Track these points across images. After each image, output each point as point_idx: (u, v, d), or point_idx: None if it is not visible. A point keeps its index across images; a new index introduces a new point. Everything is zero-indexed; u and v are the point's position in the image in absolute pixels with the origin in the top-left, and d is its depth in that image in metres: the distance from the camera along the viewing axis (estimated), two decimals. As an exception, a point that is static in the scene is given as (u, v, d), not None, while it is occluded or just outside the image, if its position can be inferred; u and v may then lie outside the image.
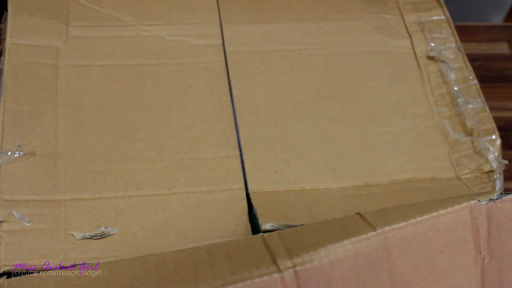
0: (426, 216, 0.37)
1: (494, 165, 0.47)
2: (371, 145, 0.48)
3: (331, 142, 0.48)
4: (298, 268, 0.34)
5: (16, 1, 0.51)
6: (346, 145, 0.48)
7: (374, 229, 0.36)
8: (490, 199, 0.38)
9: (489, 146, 0.48)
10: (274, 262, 0.35)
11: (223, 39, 0.53)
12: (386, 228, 0.36)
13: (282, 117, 0.49)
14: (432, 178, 0.47)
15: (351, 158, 0.47)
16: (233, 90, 0.50)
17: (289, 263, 0.34)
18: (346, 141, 0.48)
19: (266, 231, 0.40)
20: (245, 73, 0.51)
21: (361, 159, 0.47)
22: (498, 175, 0.47)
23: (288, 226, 0.40)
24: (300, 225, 0.40)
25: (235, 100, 0.49)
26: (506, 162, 0.48)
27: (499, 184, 0.47)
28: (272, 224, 0.41)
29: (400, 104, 0.51)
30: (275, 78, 0.51)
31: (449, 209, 0.37)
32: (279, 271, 0.34)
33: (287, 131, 0.48)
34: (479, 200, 0.38)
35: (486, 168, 0.48)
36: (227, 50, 0.52)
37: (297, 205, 0.44)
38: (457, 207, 0.37)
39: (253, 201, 0.43)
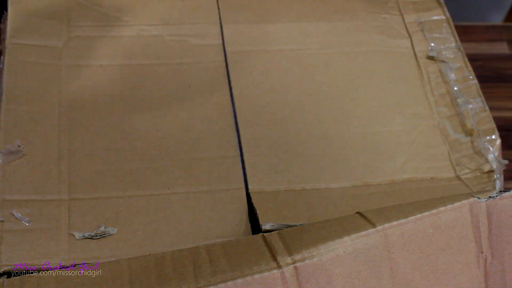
0: (426, 213, 0.37)
1: (494, 165, 0.47)
2: (371, 145, 0.48)
3: (331, 142, 0.48)
4: (298, 264, 0.34)
5: (16, 1, 0.51)
6: (346, 145, 0.48)
7: (374, 226, 0.36)
8: (490, 197, 0.38)
9: (489, 146, 0.48)
10: (274, 258, 0.35)
11: (223, 39, 0.53)
12: (386, 225, 0.36)
13: (282, 117, 0.49)
14: (432, 178, 0.47)
15: (351, 158, 0.47)
16: (233, 90, 0.50)
17: (289, 259, 0.34)
18: (346, 141, 0.48)
19: (266, 231, 0.40)
20: (245, 73, 0.51)
21: (361, 159, 0.47)
22: (498, 175, 0.47)
23: (288, 226, 0.40)
24: (300, 225, 0.40)
25: (235, 100, 0.49)
26: (506, 162, 0.48)
27: (499, 184, 0.47)
28: (272, 224, 0.41)
29: (400, 104, 0.51)
30: (275, 78, 0.51)
31: (449, 207, 0.37)
32: (279, 267, 0.34)
33: (287, 131, 0.48)
34: (478, 198, 0.38)
35: (486, 168, 0.48)
36: (227, 50, 0.52)
37: (297, 205, 0.44)
38: (457, 204, 0.37)
39: (253, 201, 0.43)
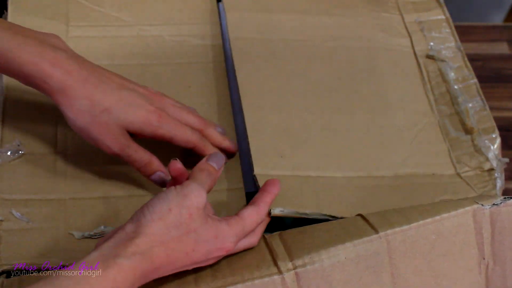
0: (429, 220, 0.36)
1: (494, 164, 0.47)
2: (374, 137, 0.48)
3: (335, 132, 0.48)
4: (299, 270, 0.34)
5: (16, 1, 0.51)
6: (350, 136, 0.48)
7: (376, 231, 0.36)
8: (494, 204, 0.38)
9: (489, 144, 0.48)
10: (275, 263, 0.35)
11: (225, 29, 0.52)
12: (389, 231, 0.36)
13: (286, 104, 0.48)
14: (433, 174, 0.47)
15: (355, 148, 0.47)
16: (237, 73, 0.49)
17: (290, 264, 0.34)
18: (349, 132, 0.48)
19: (275, 217, 0.39)
20: (249, 59, 0.50)
21: (364, 150, 0.47)
22: (499, 174, 0.47)
23: (297, 213, 0.40)
24: (302, 226, 0.40)
25: (239, 84, 0.48)
26: (506, 160, 0.48)
27: (499, 183, 0.47)
28: (282, 209, 0.39)
29: (402, 100, 0.51)
30: (278, 66, 0.51)
31: (452, 213, 0.37)
32: (280, 272, 0.34)
33: (291, 118, 0.48)
34: (482, 205, 0.37)
35: (486, 166, 0.47)
36: (230, 36, 0.52)
37: (304, 192, 0.43)
38: (460, 211, 0.37)
39: (259, 184, 0.42)
